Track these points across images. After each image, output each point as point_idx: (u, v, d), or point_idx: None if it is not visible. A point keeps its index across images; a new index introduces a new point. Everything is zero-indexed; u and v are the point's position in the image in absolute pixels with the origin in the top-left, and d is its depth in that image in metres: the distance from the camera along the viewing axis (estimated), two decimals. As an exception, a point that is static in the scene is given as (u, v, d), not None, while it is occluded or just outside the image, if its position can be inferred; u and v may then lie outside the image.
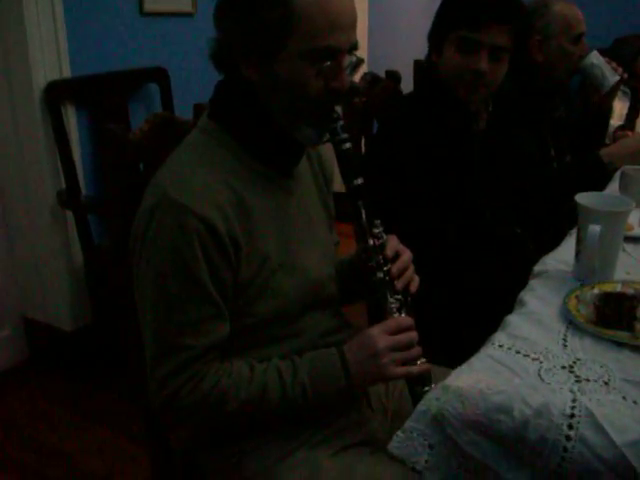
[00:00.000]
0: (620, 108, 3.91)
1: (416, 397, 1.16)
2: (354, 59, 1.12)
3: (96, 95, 2.60)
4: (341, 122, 1.16)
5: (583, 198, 1.33)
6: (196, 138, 1.18)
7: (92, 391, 2.56)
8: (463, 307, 1.67)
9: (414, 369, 1.17)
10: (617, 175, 1.98)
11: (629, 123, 3.04)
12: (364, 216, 1.19)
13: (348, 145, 1.17)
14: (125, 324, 1.28)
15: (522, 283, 1.35)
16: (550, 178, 2.09)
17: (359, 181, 1.19)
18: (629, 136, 2.38)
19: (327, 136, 1.17)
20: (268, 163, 1.18)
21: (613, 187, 1.94)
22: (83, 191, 2.55)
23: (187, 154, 1.16)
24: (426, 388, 1.17)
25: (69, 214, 2.54)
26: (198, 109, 1.46)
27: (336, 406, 1.22)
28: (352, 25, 1.09)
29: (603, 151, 2.08)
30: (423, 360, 1.18)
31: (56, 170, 2.48)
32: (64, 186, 2.49)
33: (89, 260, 2.57)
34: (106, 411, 2.44)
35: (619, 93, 3.99)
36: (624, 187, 1.83)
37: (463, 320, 1.64)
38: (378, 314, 1.20)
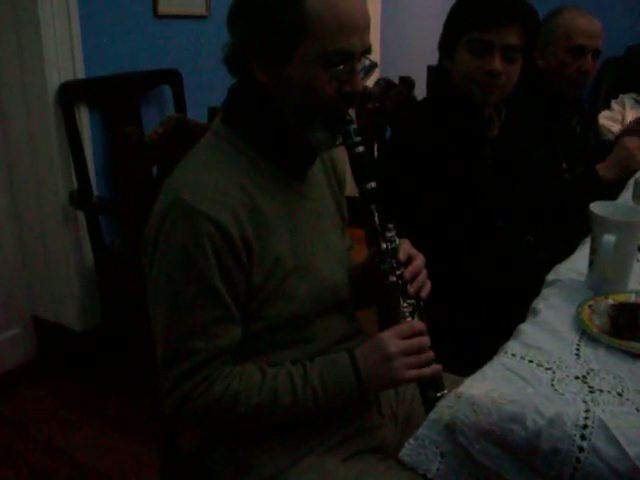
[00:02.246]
0: (632, 116, 3.89)
1: (429, 403, 1.15)
2: (367, 63, 1.12)
3: (109, 96, 2.61)
4: (354, 125, 1.15)
5: (597, 207, 1.32)
6: (209, 141, 1.18)
7: (101, 391, 2.57)
8: (475, 315, 1.66)
9: (426, 372, 1.15)
10: (630, 184, 1.97)
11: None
12: (377, 219, 1.19)
13: (361, 148, 1.16)
14: (135, 325, 1.28)
15: (535, 291, 1.35)
16: (554, 189, 2.08)
17: (372, 184, 1.18)
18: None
19: (340, 139, 1.17)
20: (281, 166, 1.18)
21: (627, 196, 1.93)
22: (95, 192, 2.56)
23: (200, 157, 1.16)
24: (439, 393, 1.16)
25: (80, 214, 2.55)
26: (211, 112, 1.46)
27: (347, 411, 1.21)
28: (365, 29, 1.09)
29: (599, 165, 2.07)
30: (435, 365, 1.16)
31: (68, 170, 2.49)
32: (76, 186, 2.50)
33: (100, 260, 2.58)
34: (115, 411, 2.45)
35: (632, 102, 3.98)
36: (638, 196, 1.82)
37: (475, 328, 1.63)
38: (390, 318, 1.19)
